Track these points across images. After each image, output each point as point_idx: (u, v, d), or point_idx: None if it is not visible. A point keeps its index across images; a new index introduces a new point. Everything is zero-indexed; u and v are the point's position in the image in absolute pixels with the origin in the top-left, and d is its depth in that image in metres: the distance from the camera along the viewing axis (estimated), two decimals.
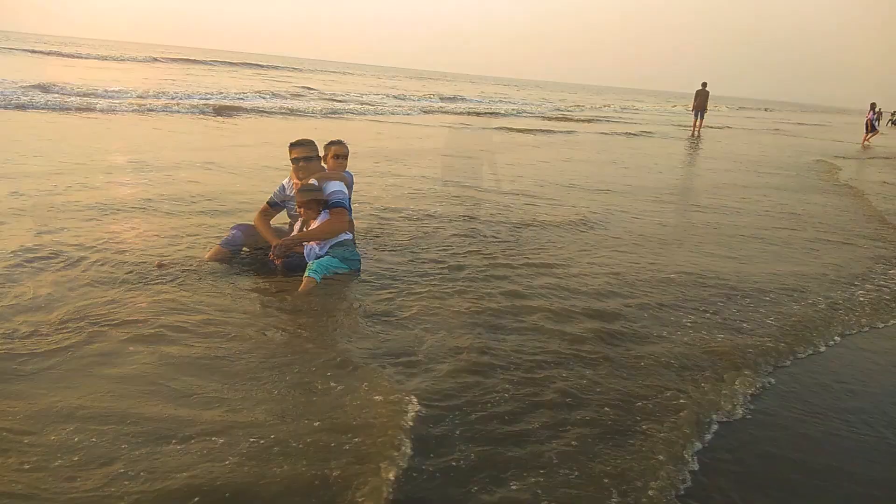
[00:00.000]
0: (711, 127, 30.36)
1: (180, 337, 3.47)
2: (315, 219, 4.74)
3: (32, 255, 4.55)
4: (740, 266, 5.85)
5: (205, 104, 17.97)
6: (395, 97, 30.15)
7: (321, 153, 5.07)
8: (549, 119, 27.12)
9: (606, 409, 3.06)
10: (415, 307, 4.14)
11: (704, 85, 24.81)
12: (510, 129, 19.92)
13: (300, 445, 2.55)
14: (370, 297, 4.28)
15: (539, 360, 3.52)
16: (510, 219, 7.02)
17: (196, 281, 4.30)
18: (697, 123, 25.18)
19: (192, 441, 2.54)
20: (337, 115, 19.73)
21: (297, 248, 4.72)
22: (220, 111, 17.42)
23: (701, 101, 24.75)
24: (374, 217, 6.55)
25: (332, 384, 3.07)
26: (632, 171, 12.51)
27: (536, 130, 20.45)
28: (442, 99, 33.32)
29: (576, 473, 2.53)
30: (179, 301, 3.94)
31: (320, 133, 10.17)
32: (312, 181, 4.79)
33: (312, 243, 4.72)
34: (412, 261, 5.16)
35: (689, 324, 4.26)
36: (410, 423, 2.72)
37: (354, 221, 5.25)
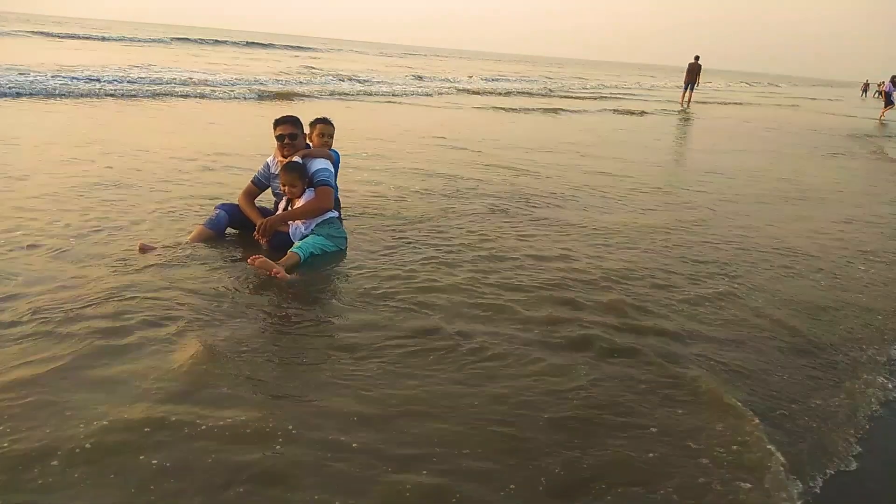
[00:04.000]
0: (741, 104, 30.25)
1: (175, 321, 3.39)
2: (300, 197, 4.67)
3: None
4: None
5: (261, 89, 17.44)
6: (439, 80, 29.21)
7: (307, 131, 5.00)
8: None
9: None
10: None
11: (697, 58, 24.93)
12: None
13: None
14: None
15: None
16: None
17: (179, 263, 4.21)
18: (687, 96, 25.65)
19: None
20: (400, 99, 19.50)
21: (282, 227, 4.66)
22: (279, 96, 16.97)
23: (692, 75, 24.94)
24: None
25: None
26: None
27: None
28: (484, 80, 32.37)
29: None
30: (166, 282, 3.87)
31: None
32: (297, 159, 4.72)
33: (298, 222, 4.66)
34: None
35: None
36: None
37: (341, 199, 5.18)
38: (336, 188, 4.90)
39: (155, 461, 2.31)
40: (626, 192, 7.75)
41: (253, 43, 49.53)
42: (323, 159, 4.80)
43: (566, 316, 3.79)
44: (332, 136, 5.08)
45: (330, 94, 18.83)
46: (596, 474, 2.41)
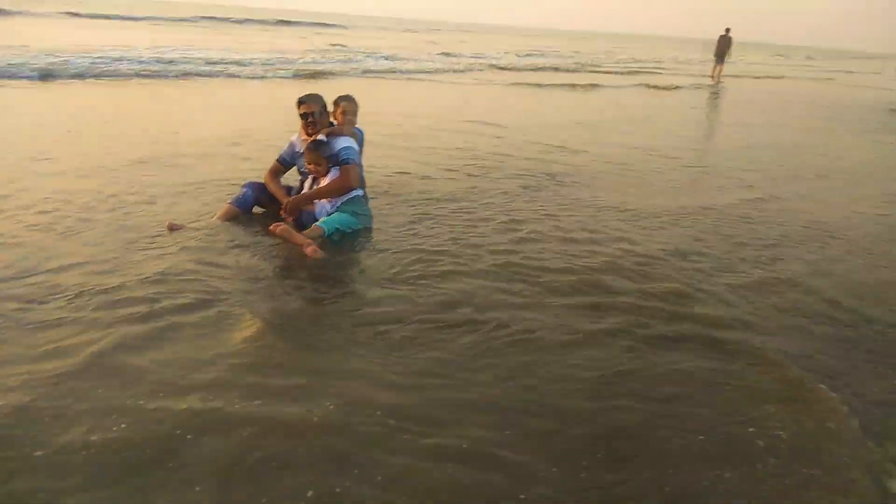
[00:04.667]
0: (776, 77, 29.55)
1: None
2: (325, 175, 4.67)
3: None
4: None
5: (298, 69, 17.33)
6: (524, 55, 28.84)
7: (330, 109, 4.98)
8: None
9: None
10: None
11: (727, 31, 24.21)
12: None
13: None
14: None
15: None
16: None
17: (208, 242, 4.23)
18: (717, 69, 24.86)
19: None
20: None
21: (307, 206, 4.67)
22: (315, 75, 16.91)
23: (722, 48, 24.31)
24: None
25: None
26: None
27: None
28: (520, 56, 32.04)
29: None
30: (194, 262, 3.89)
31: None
32: (321, 137, 4.71)
33: (323, 200, 4.66)
34: None
35: None
36: None
37: (365, 177, 5.17)
38: (361, 166, 4.89)
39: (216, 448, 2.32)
40: (662, 170, 7.62)
41: (281, 21, 49.40)
42: (347, 137, 4.78)
43: (603, 300, 3.69)
44: (356, 114, 5.05)
45: (359, 72, 18.72)
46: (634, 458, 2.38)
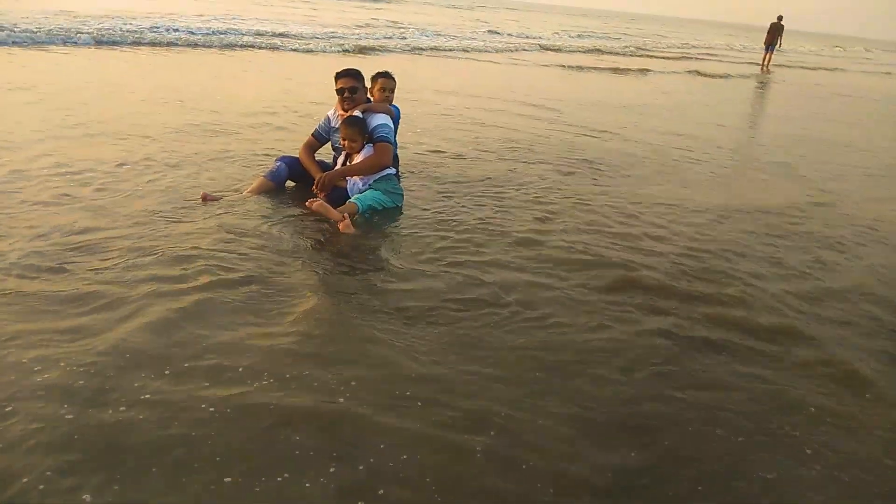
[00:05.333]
0: (830, 69, 28.61)
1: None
2: (359, 152, 4.65)
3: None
4: None
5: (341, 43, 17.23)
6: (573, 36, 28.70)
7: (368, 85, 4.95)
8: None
9: None
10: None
11: (780, 18, 23.59)
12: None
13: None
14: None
15: None
16: None
17: (240, 215, 4.24)
18: (767, 58, 24.28)
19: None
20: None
21: (340, 182, 4.66)
22: (364, 50, 16.76)
23: (773, 36, 23.71)
24: None
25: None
26: None
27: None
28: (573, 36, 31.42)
29: None
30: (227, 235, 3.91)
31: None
32: (357, 113, 4.68)
33: (356, 177, 4.65)
34: None
35: None
36: None
37: (399, 156, 5.14)
38: (395, 144, 4.86)
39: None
40: (704, 162, 7.43)
41: None
42: (383, 115, 4.74)
43: (637, 295, 3.56)
44: (393, 91, 5.01)
45: (408, 49, 18.57)
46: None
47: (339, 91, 4.73)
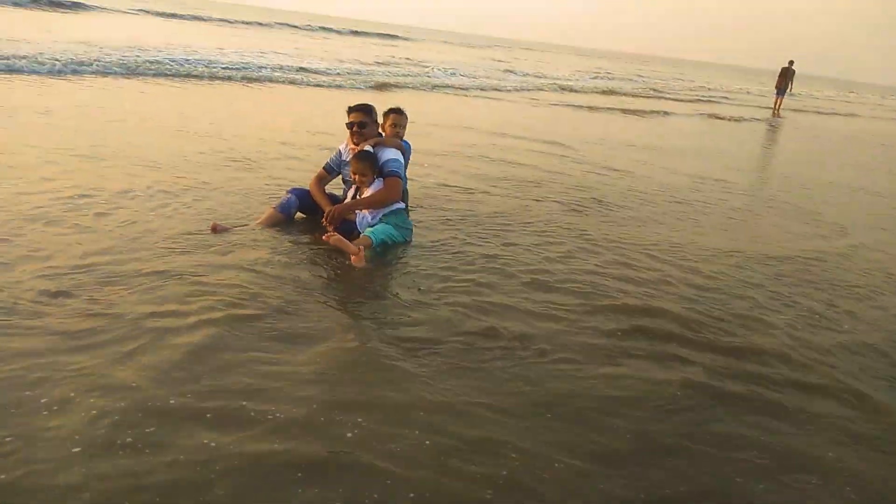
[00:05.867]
0: (846, 115, 28.67)
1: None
2: (369, 186, 4.67)
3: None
4: None
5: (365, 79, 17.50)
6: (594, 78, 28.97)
7: (380, 120, 5.01)
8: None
9: None
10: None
11: (791, 63, 24.17)
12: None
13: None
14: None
15: None
16: None
17: (251, 246, 4.26)
18: (779, 102, 24.70)
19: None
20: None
21: (349, 215, 4.68)
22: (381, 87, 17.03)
23: (784, 80, 24.24)
24: None
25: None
26: None
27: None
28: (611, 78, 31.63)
29: None
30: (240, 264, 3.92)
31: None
32: (368, 148, 4.72)
33: (364, 211, 4.66)
34: None
35: None
36: None
37: (409, 190, 5.17)
38: (405, 179, 4.88)
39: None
40: (716, 204, 7.42)
41: (356, 31, 49.83)
42: (394, 149, 4.78)
43: (648, 345, 3.45)
44: (404, 127, 5.07)
45: (428, 86, 18.84)
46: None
47: (349, 125, 4.79)
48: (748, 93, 38.99)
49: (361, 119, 4.76)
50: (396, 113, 5.05)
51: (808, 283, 4.76)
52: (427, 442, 2.45)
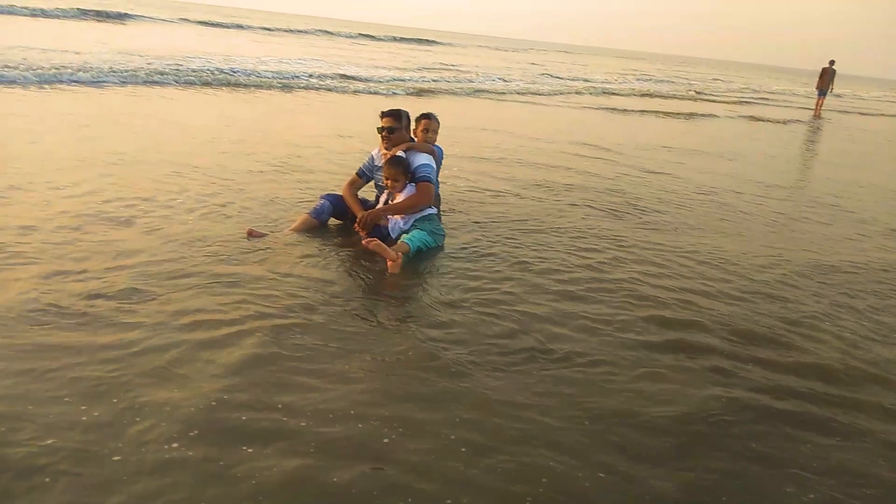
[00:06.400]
0: (890, 115, 27.88)
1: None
2: (400, 191, 4.69)
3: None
4: None
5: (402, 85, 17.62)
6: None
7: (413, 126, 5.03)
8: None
9: None
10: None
11: (832, 63, 23.59)
12: None
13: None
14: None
15: None
16: None
17: (285, 251, 4.29)
18: (821, 102, 24.21)
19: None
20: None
21: (381, 221, 4.70)
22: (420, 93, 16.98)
23: (825, 81, 23.77)
24: None
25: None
26: None
27: None
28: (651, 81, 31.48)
29: None
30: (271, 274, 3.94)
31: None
32: (400, 153, 4.74)
33: (397, 217, 4.68)
34: None
35: None
36: None
37: (441, 194, 5.17)
38: (437, 184, 4.88)
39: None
40: (756, 208, 7.23)
41: (400, 38, 50.01)
42: (426, 154, 4.79)
43: (690, 357, 3.32)
44: (436, 132, 5.08)
45: (470, 91, 18.83)
46: None
47: (379, 130, 4.82)
48: (793, 94, 38.17)
49: (391, 124, 4.78)
50: (427, 118, 5.06)
51: (856, 293, 4.57)
52: (463, 449, 2.43)
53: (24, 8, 27.78)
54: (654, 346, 3.41)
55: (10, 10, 26.91)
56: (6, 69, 11.37)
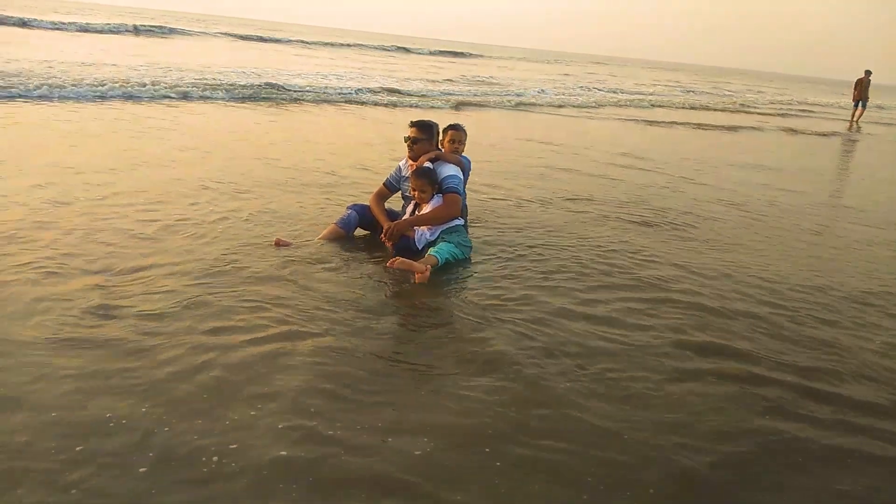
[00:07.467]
0: None
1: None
2: (427, 202, 4.67)
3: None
4: None
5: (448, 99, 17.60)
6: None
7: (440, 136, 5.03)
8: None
9: None
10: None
11: (868, 73, 22.97)
12: None
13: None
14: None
15: None
16: None
17: (313, 261, 4.29)
18: (857, 114, 23.69)
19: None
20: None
21: (408, 232, 4.68)
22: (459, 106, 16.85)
23: (861, 91, 23.31)
24: None
25: None
26: None
27: None
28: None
29: None
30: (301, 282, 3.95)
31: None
32: (427, 164, 4.72)
33: (423, 228, 4.65)
34: None
35: None
36: None
37: (469, 206, 5.14)
38: (464, 195, 4.86)
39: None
40: (807, 220, 7.01)
41: (444, 51, 50.21)
42: (453, 165, 4.77)
43: (731, 391, 3.09)
44: (462, 143, 5.06)
45: (512, 104, 18.80)
46: None
47: (406, 139, 4.83)
48: (838, 106, 37.30)
49: (416, 135, 4.78)
50: (454, 129, 5.05)
51: None
52: (498, 463, 2.41)
53: (71, 23, 28.84)
54: (689, 371, 3.27)
55: (56, 26, 27.93)
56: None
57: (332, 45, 43.31)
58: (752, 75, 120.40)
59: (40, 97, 10.88)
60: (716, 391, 3.06)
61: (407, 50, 46.35)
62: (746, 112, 25.58)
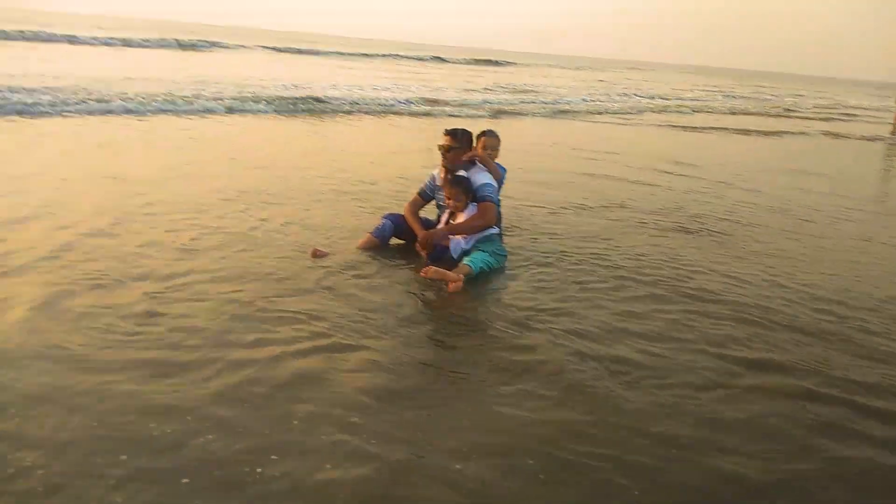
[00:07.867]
0: None
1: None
2: (462, 211, 4.65)
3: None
4: None
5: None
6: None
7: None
8: None
9: None
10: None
11: None
12: None
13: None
14: None
15: None
16: None
17: (349, 272, 4.29)
18: None
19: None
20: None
21: (442, 241, 4.66)
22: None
23: None
24: None
25: None
26: None
27: None
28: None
29: None
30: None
31: None
32: (462, 172, 4.70)
33: (458, 236, 4.63)
34: None
35: None
36: None
37: (503, 213, 5.10)
38: (498, 203, 4.82)
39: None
40: (857, 234, 6.78)
41: (478, 60, 50.24)
42: (487, 174, 4.74)
43: (778, 409, 2.98)
44: (496, 149, 5.02)
45: (537, 112, 18.60)
46: None
47: (439, 148, 4.81)
48: (889, 110, 36.27)
49: (449, 143, 4.76)
50: (488, 136, 5.01)
51: None
52: (541, 476, 2.38)
53: (114, 38, 29.70)
54: (736, 386, 3.18)
55: (103, 41, 28.77)
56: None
57: (367, 55, 43.62)
58: (797, 79, 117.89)
59: (88, 112, 11.12)
60: (765, 407, 2.97)
61: (442, 59, 46.39)
62: (788, 117, 25.03)
